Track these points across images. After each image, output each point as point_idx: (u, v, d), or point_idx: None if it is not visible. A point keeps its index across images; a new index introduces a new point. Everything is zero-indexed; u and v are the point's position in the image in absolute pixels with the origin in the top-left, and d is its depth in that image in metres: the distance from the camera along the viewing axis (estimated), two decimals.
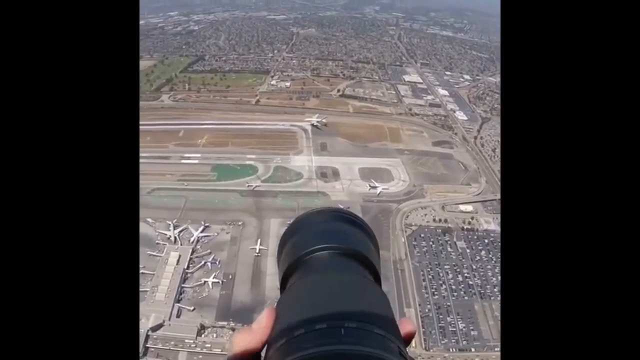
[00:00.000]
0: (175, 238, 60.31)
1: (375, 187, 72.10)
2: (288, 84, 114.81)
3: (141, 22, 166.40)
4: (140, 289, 51.40)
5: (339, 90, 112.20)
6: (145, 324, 47.56)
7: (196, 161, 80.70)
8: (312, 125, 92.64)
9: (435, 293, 53.51)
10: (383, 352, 0.88)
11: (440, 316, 50.69)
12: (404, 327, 1.11)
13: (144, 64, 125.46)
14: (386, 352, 0.88)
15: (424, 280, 55.06)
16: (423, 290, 53.64)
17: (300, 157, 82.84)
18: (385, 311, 1.08)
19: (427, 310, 51.33)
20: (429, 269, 56.81)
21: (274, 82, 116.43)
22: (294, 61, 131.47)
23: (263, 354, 1.07)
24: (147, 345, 46.02)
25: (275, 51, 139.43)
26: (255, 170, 78.21)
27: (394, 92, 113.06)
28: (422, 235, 62.69)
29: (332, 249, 1.34)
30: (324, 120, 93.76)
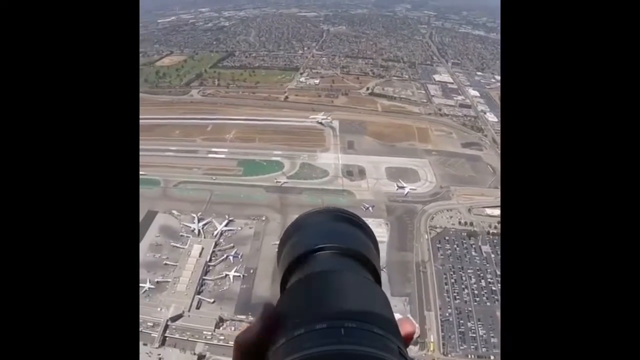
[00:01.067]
0: (199, 231, 60.99)
1: (403, 188, 71.16)
2: (317, 81, 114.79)
3: (172, 17, 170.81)
4: (162, 280, 53.01)
5: (368, 89, 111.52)
6: (165, 313, 48.56)
7: (223, 156, 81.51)
8: (318, 122, 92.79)
9: (457, 297, 52.46)
10: (383, 352, 0.88)
11: (461, 321, 49.68)
12: (404, 327, 1.11)
13: (174, 58, 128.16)
14: (386, 352, 0.88)
15: (446, 283, 54.03)
16: (445, 294, 52.60)
17: (326, 155, 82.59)
18: (385, 311, 1.09)
19: (447, 315, 50.36)
20: (451, 273, 55.66)
21: (303, 79, 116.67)
22: (324, 59, 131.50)
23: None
24: (165, 335, 46.86)
25: (305, 48, 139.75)
26: (281, 166, 78.49)
27: (424, 91, 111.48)
28: (446, 237, 61.52)
29: (332, 249, 1.34)
30: (329, 119, 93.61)
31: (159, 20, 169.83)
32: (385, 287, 47.42)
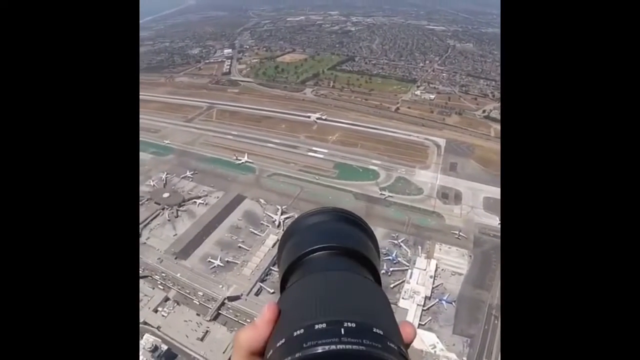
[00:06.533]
0: (279, 223, 62.43)
1: None
2: (432, 96, 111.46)
3: (301, 17, 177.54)
4: (231, 260, 55.43)
5: (484, 111, 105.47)
6: (224, 292, 50.70)
7: (322, 156, 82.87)
8: (315, 120, 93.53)
9: None
10: (383, 352, 0.87)
11: None
12: (404, 329, 1.11)
13: (295, 56, 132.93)
14: (386, 352, 0.88)
15: None
16: None
17: (425, 173, 79.93)
18: (385, 311, 1.08)
19: None
20: None
21: (418, 92, 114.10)
22: (444, 74, 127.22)
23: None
24: (219, 312, 48.87)
25: (427, 61, 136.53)
26: (376, 175, 77.75)
27: None
28: None
29: (331, 249, 1.35)
30: (323, 117, 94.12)
31: (287, 19, 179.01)
32: (449, 322, 43.38)
